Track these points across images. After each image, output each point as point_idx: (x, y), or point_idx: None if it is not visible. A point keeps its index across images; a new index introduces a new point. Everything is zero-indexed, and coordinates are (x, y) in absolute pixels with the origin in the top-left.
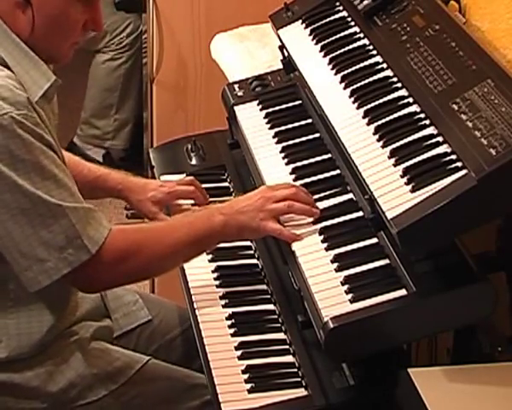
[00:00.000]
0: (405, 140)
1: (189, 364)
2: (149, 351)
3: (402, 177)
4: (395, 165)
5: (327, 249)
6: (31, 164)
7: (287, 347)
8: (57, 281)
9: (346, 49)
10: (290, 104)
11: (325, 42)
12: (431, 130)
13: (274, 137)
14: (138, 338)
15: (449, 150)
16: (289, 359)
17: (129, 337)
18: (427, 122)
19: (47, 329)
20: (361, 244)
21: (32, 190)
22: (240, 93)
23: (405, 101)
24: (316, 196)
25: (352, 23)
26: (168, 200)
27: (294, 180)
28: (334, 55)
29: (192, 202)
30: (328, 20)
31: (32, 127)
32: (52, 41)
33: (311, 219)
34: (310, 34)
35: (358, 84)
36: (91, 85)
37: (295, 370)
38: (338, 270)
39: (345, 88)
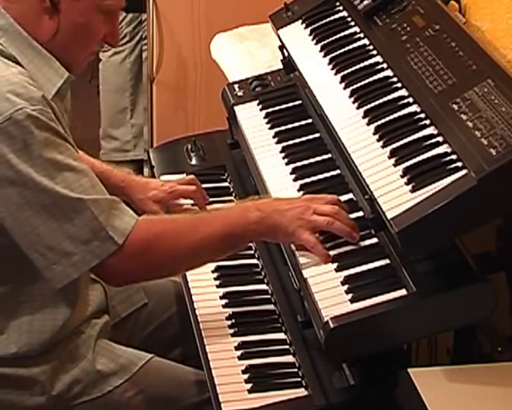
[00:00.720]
0: (405, 140)
1: (185, 342)
2: (146, 332)
3: (402, 177)
4: (395, 165)
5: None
6: (48, 159)
7: (287, 347)
8: (85, 273)
9: (346, 49)
10: (290, 104)
11: (325, 42)
12: (431, 130)
13: (274, 137)
14: (135, 322)
15: (449, 150)
16: (289, 359)
17: (125, 323)
18: (427, 122)
19: (59, 328)
20: (361, 244)
21: (50, 186)
22: (240, 93)
23: (405, 101)
24: None
25: (352, 23)
26: (169, 199)
27: (294, 180)
28: (334, 55)
29: (192, 201)
30: (328, 20)
31: (47, 122)
32: (71, 48)
33: None
34: (310, 34)
35: (358, 84)
36: (102, 90)
37: (295, 370)
38: (338, 270)
39: (345, 88)
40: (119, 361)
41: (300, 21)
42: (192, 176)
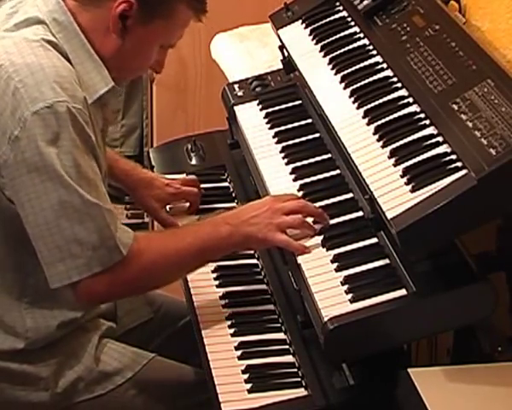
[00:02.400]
0: (405, 140)
1: (192, 356)
2: (151, 347)
3: (402, 177)
4: (395, 165)
5: (327, 249)
6: (72, 159)
7: (287, 347)
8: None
9: (346, 49)
10: (290, 104)
11: (325, 42)
12: (431, 130)
13: (274, 137)
14: (140, 335)
15: (449, 150)
16: (289, 359)
17: (130, 335)
18: (427, 122)
19: (65, 323)
20: (361, 244)
21: (69, 182)
22: (240, 93)
23: (405, 101)
24: (316, 196)
25: (352, 23)
26: (171, 199)
27: (294, 180)
28: (334, 55)
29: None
30: (328, 20)
31: (82, 124)
32: (124, 67)
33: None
34: (310, 34)
35: (358, 84)
36: None
37: (295, 370)
38: (338, 270)
39: (345, 88)
40: (122, 360)
41: (300, 21)
42: (194, 177)
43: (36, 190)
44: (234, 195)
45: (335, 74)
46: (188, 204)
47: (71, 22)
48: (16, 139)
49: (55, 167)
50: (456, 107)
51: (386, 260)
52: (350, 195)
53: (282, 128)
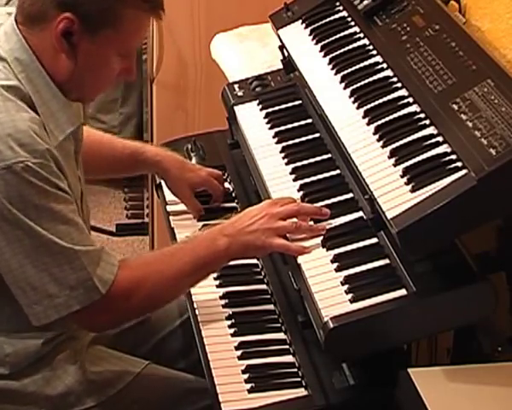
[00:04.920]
0: (405, 140)
1: (187, 356)
2: (148, 347)
3: (402, 177)
4: (395, 165)
5: (327, 249)
6: (43, 210)
7: (287, 347)
8: (65, 317)
9: (346, 49)
10: (290, 104)
11: (325, 42)
12: (431, 130)
13: (274, 137)
14: (136, 335)
15: (449, 150)
16: (289, 359)
17: (127, 335)
18: (427, 122)
19: (43, 342)
20: (361, 244)
21: (43, 233)
22: (240, 93)
23: (405, 101)
24: (316, 196)
25: (352, 23)
26: (201, 185)
27: (294, 180)
28: (334, 55)
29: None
30: (328, 20)
31: (46, 176)
32: (87, 86)
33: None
34: (310, 34)
35: (358, 84)
36: None
37: (295, 370)
38: (338, 270)
39: (345, 88)
40: (113, 370)
41: (300, 21)
42: (219, 172)
43: (6, 237)
44: (234, 195)
45: (335, 74)
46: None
47: (33, 60)
48: None
49: (24, 221)
50: (456, 107)
51: (386, 260)
52: (350, 195)
53: (282, 128)
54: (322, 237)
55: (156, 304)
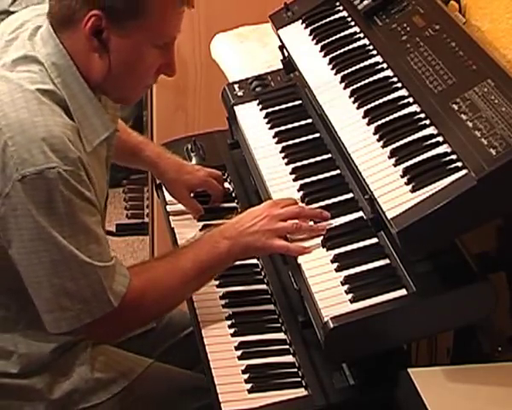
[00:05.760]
0: (405, 140)
1: (191, 368)
2: (151, 357)
3: (402, 177)
4: (395, 165)
5: (327, 249)
6: (66, 218)
7: (287, 347)
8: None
9: (346, 49)
10: (290, 104)
11: (325, 42)
12: (431, 130)
13: (274, 137)
14: (141, 345)
15: (449, 150)
16: (289, 359)
17: (131, 344)
18: (427, 122)
19: (58, 345)
20: (361, 244)
21: (64, 243)
22: (240, 93)
23: (405, 101)
24: (316, 196)
25: (352, 23)
26: (200, 186)
27: (294, 180)
28: (334, 55)
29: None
30: (328, 20)
31: (75, 185)
32: (126, 84)
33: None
34: (310, 34)
35: (358, 84)
36: None
37: (295, 370)
38: (338, 270)
39: (345, 88)
40: (117, 368)
41: (300, 21)
42: (219, 173)
43: (26, 246)
44: (234, 195)
45: (335, 74)
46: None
47: (70, 65)
48: (7, 196)
49: (47, 230)
50: (456, 107)
51: (387, 260)
52: (350, 195)
53: (282, 128)
54: (322, 237)
55: (163, 311)
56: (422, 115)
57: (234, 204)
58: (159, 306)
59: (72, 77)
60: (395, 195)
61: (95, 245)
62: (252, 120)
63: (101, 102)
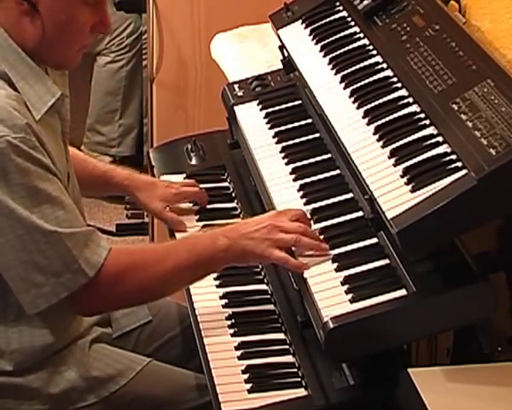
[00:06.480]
0: (405, 140)
1: (188, 362)
2: (148, 351)
3: (402, 177)
4: (395, 165)
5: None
6: (26, 188)
7: (287, 347)
8: (55, 304)
9: (346, 49)
10: (290, 104)
11: (325, 42)
12: (431, 130)
13: (274, 137)
14: (138, 338)
15: (449, 150)
16: (289, 359)
17: (128, 338)
18: (427, 122)
19: (51, 341)
20: (361, 244)
21: (25, 215)
22: (240, 93)
23: (405, 101)
24: (316, 196)
25: (352, 23)
26: (174, 201)
27: (294, 180)
28: (334, 55)
29: (189, 205)
30: (328, 20)
31: (28, 151)
32: (61, 47)
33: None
34: (310, 34)
35: (358, 84)
36: (94, 90)
37: (295, 370)
38: (338, 270)
39: (345, 88)
40: (115, 366)
41: (300, 21)
42: (193, 180)
43: None
44: (234, 195)
45: (335, 74)
46: (190, 205)
47: (5, 38)
48: None
49: (7, 203)
50: (456, 107)
51: (386, 260)
52: (350, 195)
53: (282, 128)
54: (322, 238)
55: (146, 297)
56: (422, 115)
57: (234, 204)
58: (142, 290)
59: (9, 49)
60: (395, 195)
61: (62, 212)
62: (252, 120)
63: (48, 72)
